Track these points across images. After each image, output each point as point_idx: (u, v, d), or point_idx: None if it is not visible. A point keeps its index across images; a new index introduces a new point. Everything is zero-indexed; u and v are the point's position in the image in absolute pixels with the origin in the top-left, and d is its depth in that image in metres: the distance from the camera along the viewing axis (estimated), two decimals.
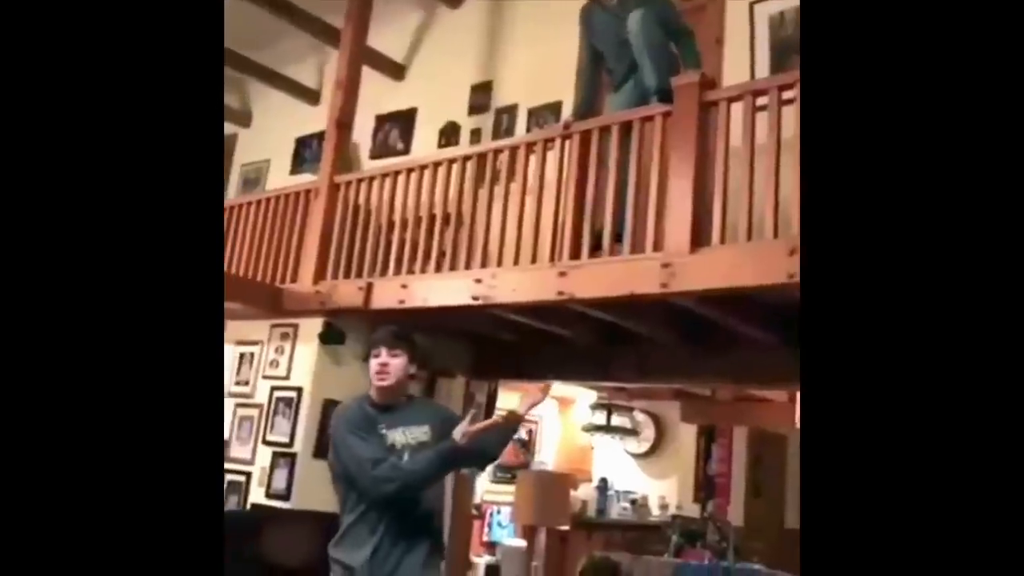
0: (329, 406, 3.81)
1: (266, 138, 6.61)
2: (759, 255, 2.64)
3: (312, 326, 4.08)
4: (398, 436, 2.46)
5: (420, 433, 2.50)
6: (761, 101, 2.85)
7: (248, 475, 4.06)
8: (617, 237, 3.12)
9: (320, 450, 3.85)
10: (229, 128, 6.90)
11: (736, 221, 2.78)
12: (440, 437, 2.46)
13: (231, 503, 4.02)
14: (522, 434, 6.98)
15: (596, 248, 3.14)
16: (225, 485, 4.11)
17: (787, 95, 2.77)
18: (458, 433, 2.37)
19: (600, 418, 6.73)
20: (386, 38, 5.56)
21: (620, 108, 3.48)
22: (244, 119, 6.90)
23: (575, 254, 3.20)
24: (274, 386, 4.17)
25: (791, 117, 2.71)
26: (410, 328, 2.74)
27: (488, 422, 2.58)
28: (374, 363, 2.50)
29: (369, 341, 2.61)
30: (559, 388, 6.62)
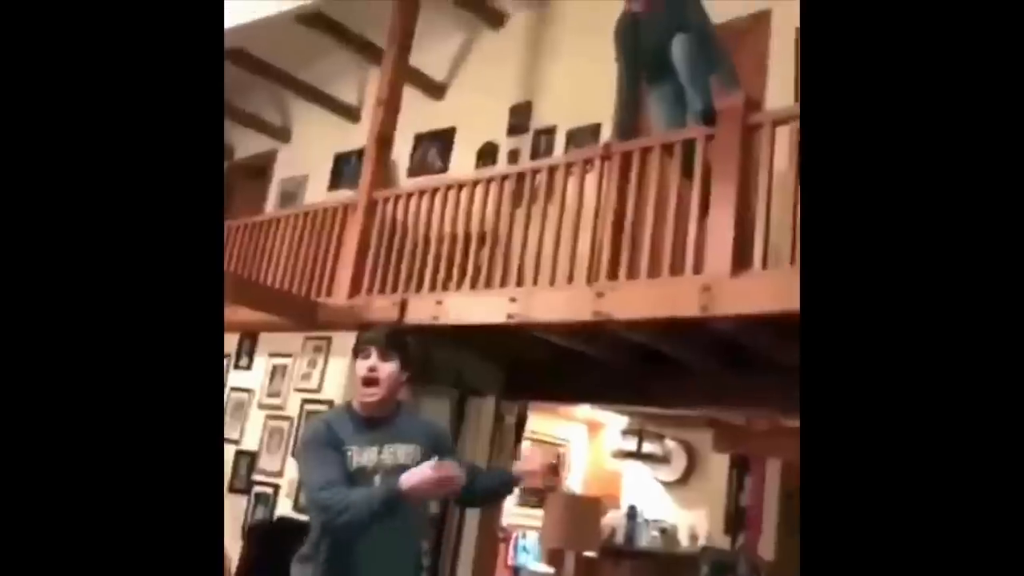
0: None
1: (305, 154, 6.69)
2: None
3: (346, 340, 4.08)
4: (372, 457, 2.09)
5: (404, 453, 2.12)
6: None
7: (276, 487, 4.06)
8: None
9: None
10: (269, 144, 7.00)
11: (779, 245, 2.73)
12: (429, 457, 2.06)
13: (259, 514, 4.01)
14: (550, 458, 6.90)
15: None
16: (253, 496, 4.11)
17: None
18: (406, 478, 1.93)
19: (630, 444, 6.63)
20: (427, 57, 5.61)
21: (660, 108, 3.51)
22: (284, 135, 7.00)
23: (613, 275, 3.16)
24: (305, 399, 4.17)
25: None
26: (407, 331, 2.52)
27: (443, 473, 1.96)
28: (362, 366, 2.13)
29: (359, 339, 2.24)
30: (589, 412, 6.55)
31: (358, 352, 2.18)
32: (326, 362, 4.17)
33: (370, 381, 2.12)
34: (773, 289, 2.66)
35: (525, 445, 5.61)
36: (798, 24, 4.01)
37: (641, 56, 3.49)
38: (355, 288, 4.19)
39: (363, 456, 2.09)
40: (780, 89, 3.92)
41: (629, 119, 3.58)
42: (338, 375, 4.07)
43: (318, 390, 4.14)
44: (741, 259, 2.78)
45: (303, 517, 3.83)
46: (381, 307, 3.96)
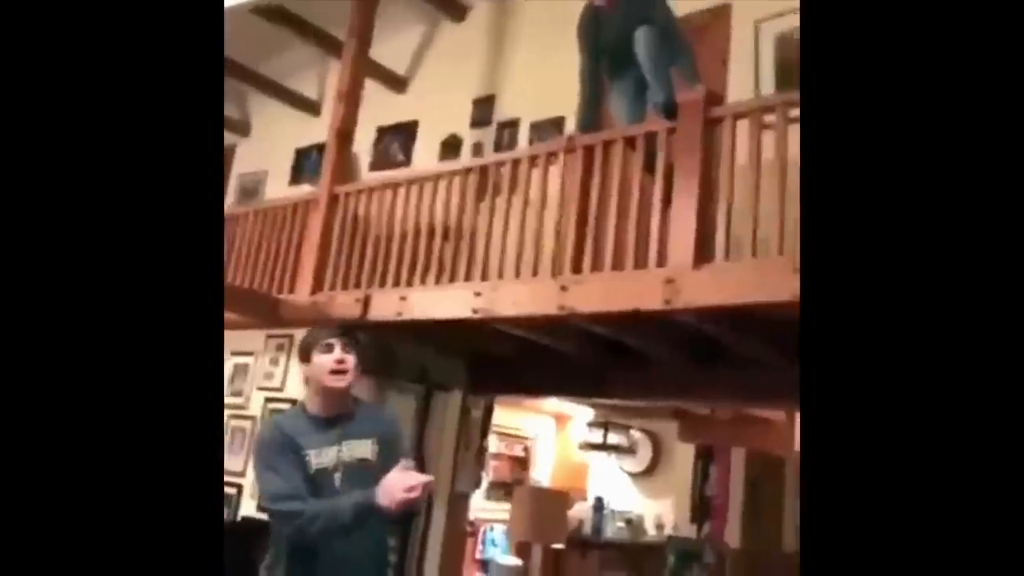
0: None
1: (265, 148, 6.59)
2: (764, 272, 2.60)
3: None
4: (332, 456, 2.07)
5: (363, 448, 2.12)
6: (767, 119, 2.83)
7: (239, 487, 4.00)
8: None
9: None
10: (228, 138, 6.88)
11: (741, 238, 2.75)
12: (382, 456, 2.10)
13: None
14: (518, 451, 6.92)
15: None
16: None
17: (793, 113, 2.75)
18: (384, 494, 1.92)
19: (597, 436, 6.68)
20: (389, 50, 5.56)
21: (621, 100, 3.51)
22: (243, 129, 6.89)
23: (577, 268, 3.17)
24: (268, 397, 4.12)
25: (797, 135, 2.69)
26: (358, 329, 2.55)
27: (421, 481, 1.97)
28: (327, 360, 2.12)
29: (311, 336, 2.22)
30: (556, 405, 6.58)
31: (310, 350, 2.18)
32: (288, 360, 4.12)
33: (340, 371, 2.14)
34: (735, 281, 2.68)
35: (492, 439, 5.62)
36: (757, 18, 4.06)
37: (604, 49, 3.49)
38: (317, 285, 4.14)
39: (323, 457, 2.08)
40: (740, 83, 3.96)
41: (592, 112, 3.58)
42: (301, 373, 4.01)
43: (281, 389, 4.09)
44: (703, 252, 2.80)
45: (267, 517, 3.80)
46: (344, 303, 3.92)
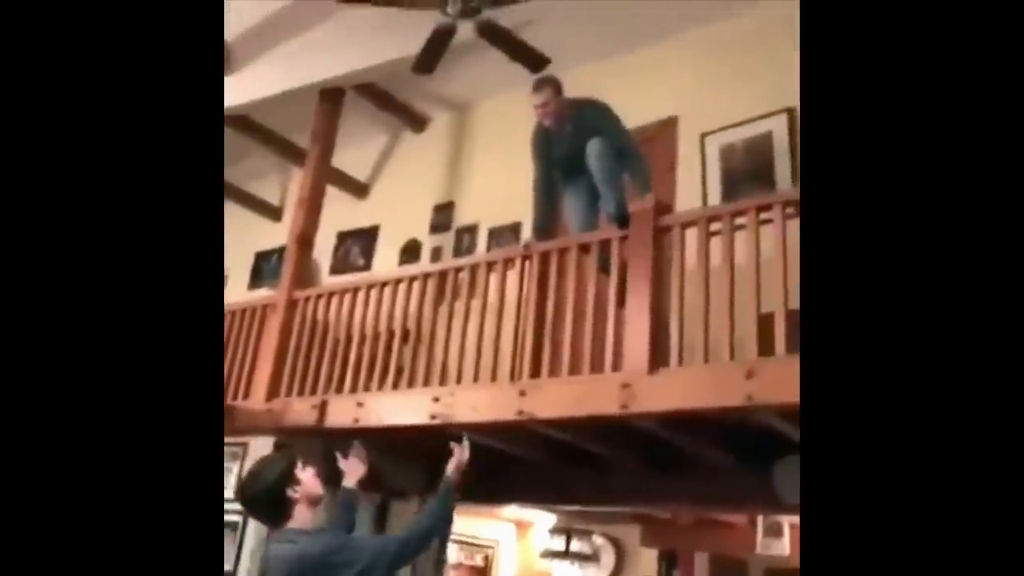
0: None
1: (225, 252, 6.59)
2: (716, 377, 2.65)
3: (263, 446, 3.94)
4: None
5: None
6: (715, 227, 2.94)
7: None
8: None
9: None
10: None
11: (693, 343, 2.80)
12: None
13: None
14: (478, 560, 6.71)
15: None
16: None
17: (740, 221, 2.87)
18: (452, 465, 2.74)
19: (559, 544, 6.52)
20: (350, 158, 5.70)
21: (576, 207, 3.65)
22: None
23: (535, 372, 3.18)
24: None
25: (744, 243, 2.80)
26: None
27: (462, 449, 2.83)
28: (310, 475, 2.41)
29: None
30: (517, 511, 6.43)
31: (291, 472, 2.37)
32: (242, 469, 4.00)
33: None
34: (688, 386, 2.72)
35: (451, 548, 5.45)
36: (703, 131, 4.27)
37: (556, 162, 3.64)
38: (273, 390, 4.09)
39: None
40: (688, 191, 4.12)
41: (545, 220, 3.69)
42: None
43: (234, 500, 3.95)
44: (657, 356, 2.84)
45: None
46: (300, 410, 3.86)
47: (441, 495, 2.68)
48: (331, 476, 2.60)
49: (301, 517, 2.33)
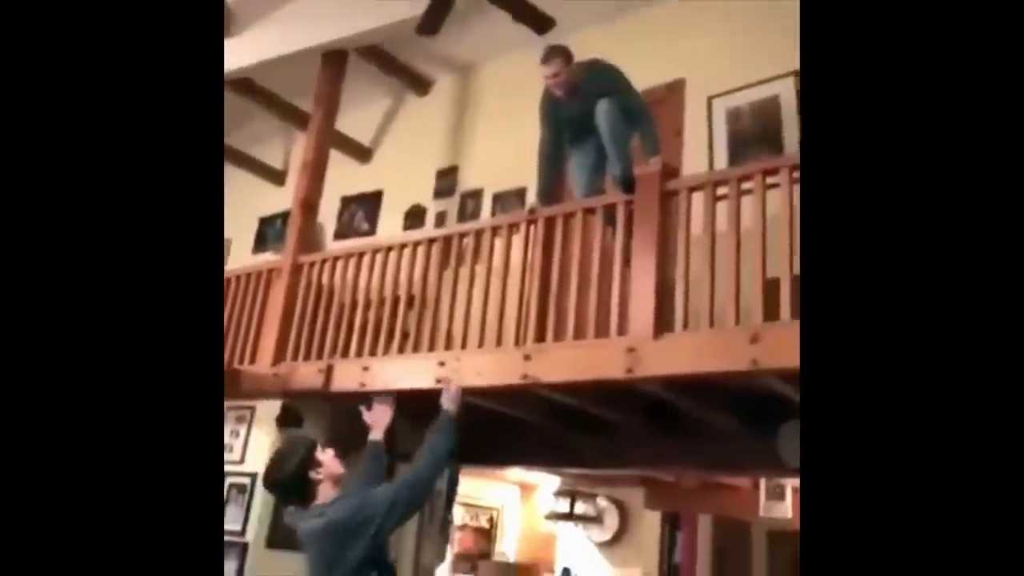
0: None
1: (229, 217, 6.56)
2: (721, 342, 2.65)
3: (270, 409, 3.98)
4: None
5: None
6: (721, 191, 2.92)
7: None
8: None
9: (274, 540, 3.70)
10: None
11: (698, 308, 2.80)
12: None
13: None
14: (483, 522, 6.80)
15: None
16: None
17: (746, 185, 2.85)
18: (448, 399, 2.86)
19: (563, 505, 6.60)
20: (354, 122, 5.65)
21: (582, 170, 3.62)
22: None
23: (540, 337, 3.19)
24: (227, 471, 4.02)
25: (750, 207, 2.78)
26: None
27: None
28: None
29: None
30: (521, 474, 6.50)
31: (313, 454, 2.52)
32: (249, 432, 4.04)
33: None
34: (694, 350, 2.72)
35: (457, 510, 5.52)
36: (710, 94, 4.22)
37: (564, 123, 3.60)
38: (279, 355, 4.10)
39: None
40: (695, 155, 4.08)
41: (550, 184, 3.66)
42: (262, 446, 3.94)
43: (241, 461, 4.00)
44: (663, 321, 2.84)
45: None
46: (306, 374, 3.88)
47: (442, 429, 2.76)
48: (341, 438, 2.68)
49: (325, 494, 2.49)
